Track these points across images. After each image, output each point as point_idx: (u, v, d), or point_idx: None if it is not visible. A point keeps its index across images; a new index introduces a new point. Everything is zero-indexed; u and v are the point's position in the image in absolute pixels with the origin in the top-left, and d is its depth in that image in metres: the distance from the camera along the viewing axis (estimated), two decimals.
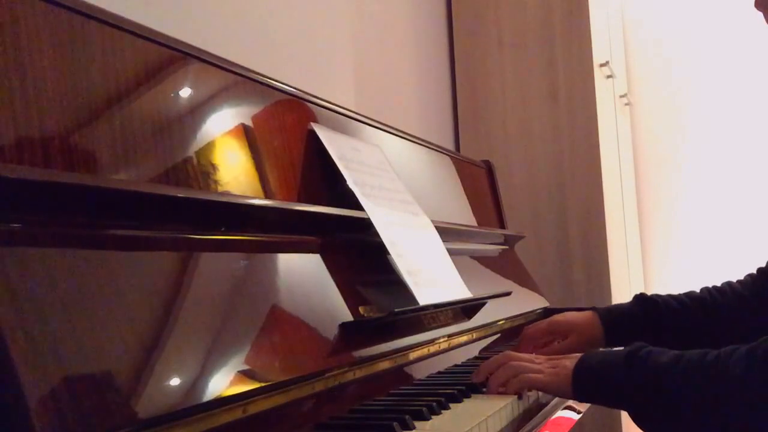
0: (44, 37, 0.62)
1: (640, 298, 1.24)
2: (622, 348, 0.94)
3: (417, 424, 0.77)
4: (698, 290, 1.24)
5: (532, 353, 1.20)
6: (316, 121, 1.04)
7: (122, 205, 0.63)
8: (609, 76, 2.57)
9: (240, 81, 0.90)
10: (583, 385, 0.92)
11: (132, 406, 0.53)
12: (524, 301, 1.60)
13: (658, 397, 0.86)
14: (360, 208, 0.99)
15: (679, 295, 1.24)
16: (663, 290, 1.30)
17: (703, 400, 0.83)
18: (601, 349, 0.98)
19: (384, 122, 1.32)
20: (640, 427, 0.90)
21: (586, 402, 0.97)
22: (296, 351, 0.76)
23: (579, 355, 0.96)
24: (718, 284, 1.23)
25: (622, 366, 0.89)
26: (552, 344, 1.23)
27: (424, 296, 1.01)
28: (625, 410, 0.92)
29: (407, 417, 0.76)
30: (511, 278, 1.63)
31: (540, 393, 1.01)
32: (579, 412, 1.13)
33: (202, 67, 0.83)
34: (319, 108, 1.08)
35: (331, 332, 0.83)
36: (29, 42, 0.60)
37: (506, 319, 1.44)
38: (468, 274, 1.29)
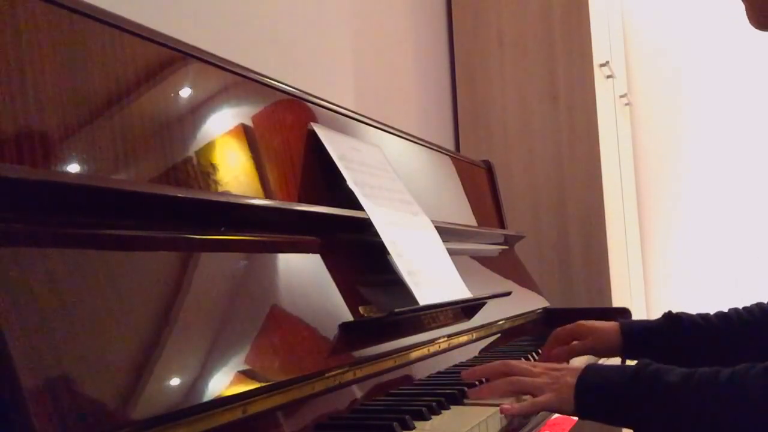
0: (44, 37, 0.62)
1: (666, 314, 1.23)
2: (624, 365, 0.91)
3: (417, 424, 0.77)
4: (726, 310, 1.21)
5: (551, 354, 1.21)
6: (316, 121, 1.04)
7: (122, 205, 0.63)
8: (609, 76, 2.57)
9: (240, 81, 0.89)
10: (587, 403, 0.89)
11: (132, 406, 0.53)
12: (524, 301, 1.60)
13: (668, 417, 0.83)
14: (360, 208, 0.99)
15: (708, 314, 1.21)
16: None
17: (718, 420, 0.79)
18: (602, 363, 0.94)
19: (384, 122, 1.32)
20: None
21: (590, 420, 0.93)
22: (296, 351, 0.76)
23: (578, 368, 0.93)
24: (748, 304, 1.20)
25: (629, 383, 0.86)
26: (571, 343, 1.24)
27: (424, 296, 1.01)
28: (630, 428, 0.88)
29: (407, 417, 0.76)
30: (511, 278, 1.63)
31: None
32: None
33: (202, 67, 0.83)
34: (319, 108, 1.08)
35: (331, 332, 0.83)
36: (29, 42, 0.60)
37: (506, 319, 1.44)
38: (468, 274, 1.29)
